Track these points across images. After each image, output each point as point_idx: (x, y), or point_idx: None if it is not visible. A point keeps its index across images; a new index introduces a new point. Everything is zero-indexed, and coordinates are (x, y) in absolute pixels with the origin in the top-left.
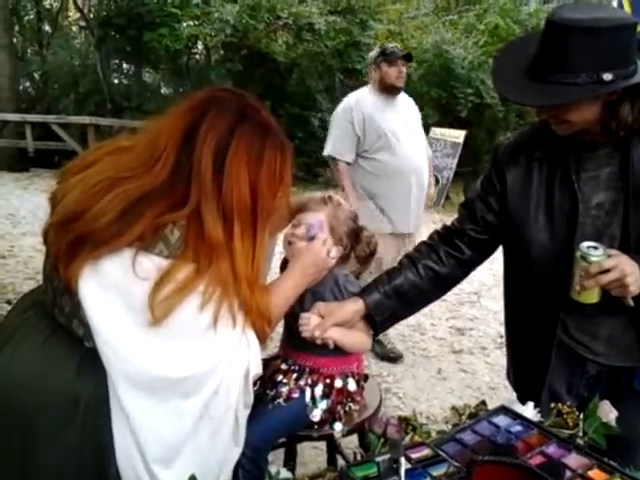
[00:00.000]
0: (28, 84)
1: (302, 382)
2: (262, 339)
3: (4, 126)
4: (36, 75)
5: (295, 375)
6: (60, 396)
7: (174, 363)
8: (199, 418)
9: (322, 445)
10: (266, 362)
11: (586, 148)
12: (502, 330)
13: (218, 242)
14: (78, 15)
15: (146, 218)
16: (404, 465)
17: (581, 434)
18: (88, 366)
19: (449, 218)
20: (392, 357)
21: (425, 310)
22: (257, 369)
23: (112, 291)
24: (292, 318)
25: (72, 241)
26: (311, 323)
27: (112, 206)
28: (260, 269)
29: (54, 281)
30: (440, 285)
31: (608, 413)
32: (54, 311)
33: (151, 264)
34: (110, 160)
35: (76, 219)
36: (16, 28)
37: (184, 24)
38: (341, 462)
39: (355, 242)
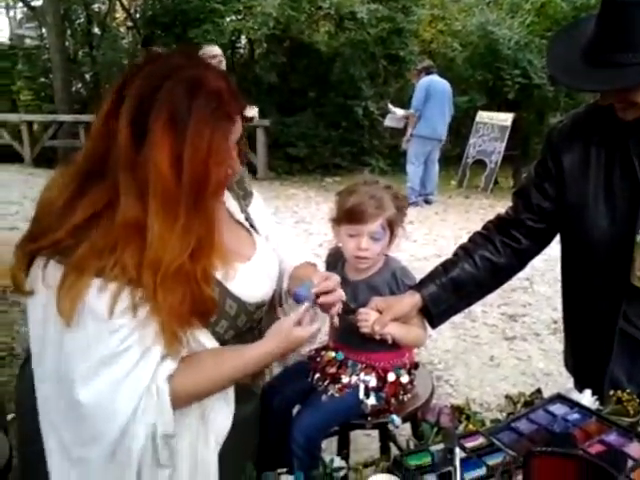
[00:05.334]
0: (80, 85)
1: (355, 376)
2: (170, 343)
3: (59, 127)
4: (87, 76)
5: (348, 369)
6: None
7: (83, 377)
8: (107, 464)
9: (375, 432)
10: (317, 352)
11: None
12: (555, 316)
13: (128, 224)
14: (125, 16)
15: (80, 209)
16: (459, 455)
17: None
18: None
19: (498, 203)
20: None
21: None
22: (167, 428)
23: (36, 299)
24: (343, 314)
25: (22, 241)
26: (370, 318)
27: (55, 198)
28: (181, 255)
29: None
30: (497, 276)
31: None
32: None
33: (59, 272)
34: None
35: (35, 216)
36: (68, 32)
37: (227, 19)
38: (394, 450)
39: (401, 209)
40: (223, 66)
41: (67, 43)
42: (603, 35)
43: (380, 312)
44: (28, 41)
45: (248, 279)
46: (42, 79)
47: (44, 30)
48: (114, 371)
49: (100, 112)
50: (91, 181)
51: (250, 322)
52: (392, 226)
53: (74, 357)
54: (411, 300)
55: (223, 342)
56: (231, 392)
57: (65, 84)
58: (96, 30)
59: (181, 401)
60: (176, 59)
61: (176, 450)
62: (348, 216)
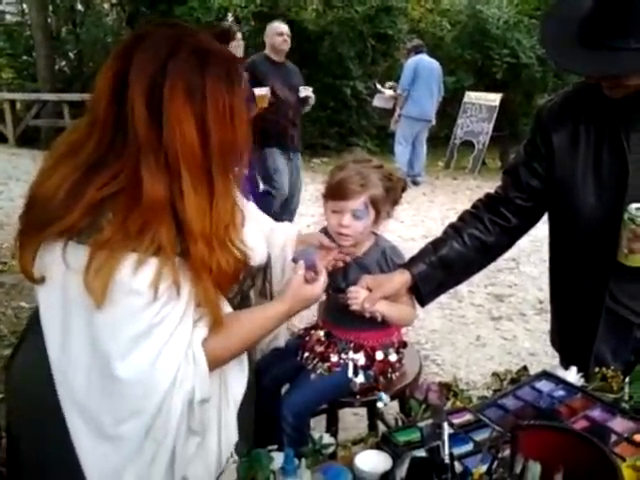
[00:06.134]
0: (64, 63)
1: (344, 355)
2: (215, 309)
3: (43, 106)
4: (71, 54)
5: (337, 348)
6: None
7: (119, 354)
8: (143, 439)
9: (363, 411)
10: (306, 331)
11: (636, 108)
12: (541, 296)
13: (156, 203)
14: None
15: (88, 194)
16: (447, 430)
17: (626, 398)
18: None
19: (486, 184)
20: None
21: None
22: (204, 393)
23: (52, 284)
24: (333, 292)
25: (23, 230)
26: (360, 296)
27: (58, 186)
28: (226, 221)
29: None
30: (486, 254)
31: None
32: None
33: (82, 252)
34: (67, 137)
35: (31, 206)
36: (50, 8)
37: None
38: (382, 428)
39: (391, 191)
40: (288, 45)
41: (49, 20)
42: (601, 17)
43: (370, 290)
44: (9, 17)
45: (250, 242)
46: (24, 57)
47: (25, 6)
48: (152, 343)
49: (99, 100)
50: (96, 167)
51: (251, 287)
52: (377, 205)
53: (108, 335)
54: (401, 278)
55: (232, 308)
56: (245, 358)
57: (48, 62)
58: (79, 7)
59: (213, 364)
60: (170, 31)
61: (207, 415)
62: (332, 192)
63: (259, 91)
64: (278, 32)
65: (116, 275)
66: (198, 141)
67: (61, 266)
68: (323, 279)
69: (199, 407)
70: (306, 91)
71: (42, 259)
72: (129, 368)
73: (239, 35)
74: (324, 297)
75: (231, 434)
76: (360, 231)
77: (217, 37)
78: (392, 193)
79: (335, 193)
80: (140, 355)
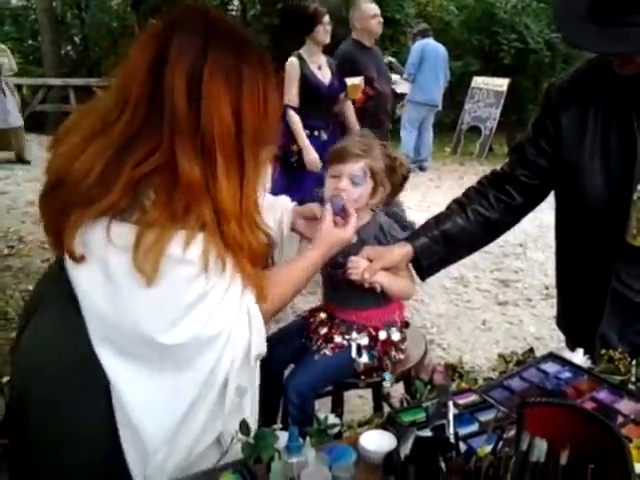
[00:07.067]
0: (69, 48)
1: (347, 336)
2: (257, 262)
3: (49, 91)
4: (76, 39)
5: (340, 329)
6: (75, 368)
7: (169, 324)
8: (197, 396)
9: (368, 395)
10: (310, 313)
11: None
12: (547, 281)
13: (194, 184)
14: None
15: (125, 173)
16: (452, 410)
17: (633, 380)
18: None
19: None
20: None
21: (468, 262)
22: (260, 348)
23: (93, 262)
24: (332, 270)
25: (58, 209)
26: (360, 266)
27: (90, 165)
28: (253, 204)
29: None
30: (489, 231)
31: None
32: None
33: (128, 230)
34: (86, 117)
35: (59, 185)
36: None
37: None
38: (387, 410)
39: (391, 173)
40: (381, 28)
41: (54, 4)
42: None
43: (370, 261)
44: (14, 1)
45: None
46: (30, 41)
47: None
48: (203, 309)
49: (133, 79)
50: (129, 146)
51: (265, 263)
52: (375, 177)
53: (159, 306)
54: (402, 250)
55: None
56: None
57: (54, 47)
58: None
59: (266, 318)
60: (201, 14)
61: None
62: (333, 156)
63: (351, 81)
64: (372, 14)
65: (167, 252)
66: (233, 127)
67: (103, 244)
68: (353, 222)
69: (254, 363)
70: (404, 86)
71: (81, 238)
72: (179, 335)
73: (327, 17)
74: (349, 241)
75: (256, 397)
76: (355, 198)
77: (304, 19)
78: (393, 175)
79: (335, 157)
80: (191, 321)
